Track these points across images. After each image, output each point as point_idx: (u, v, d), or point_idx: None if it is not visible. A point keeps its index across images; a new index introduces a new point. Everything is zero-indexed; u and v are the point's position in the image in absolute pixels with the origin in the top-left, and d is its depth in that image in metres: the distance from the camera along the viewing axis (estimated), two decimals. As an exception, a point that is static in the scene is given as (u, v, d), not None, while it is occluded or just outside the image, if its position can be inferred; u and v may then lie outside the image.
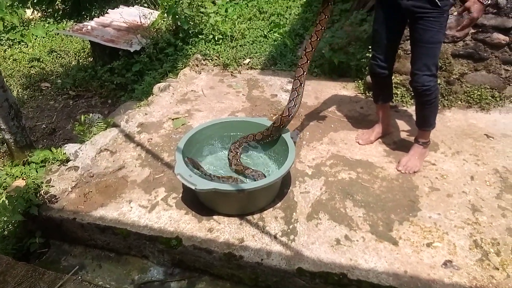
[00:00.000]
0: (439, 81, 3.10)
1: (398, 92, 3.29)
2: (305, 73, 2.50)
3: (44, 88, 5.21)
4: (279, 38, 4.64)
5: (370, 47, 3.49)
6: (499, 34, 2.98)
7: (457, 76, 3.18)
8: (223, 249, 2.11)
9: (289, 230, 2.20)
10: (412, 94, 3.21)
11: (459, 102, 3.21)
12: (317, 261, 2.03)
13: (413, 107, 3.21)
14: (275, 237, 2.17)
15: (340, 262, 2.01)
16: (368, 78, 3.39)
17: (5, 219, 2.49)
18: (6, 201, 2.37)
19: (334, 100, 3.41)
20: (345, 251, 2.07)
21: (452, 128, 2.98)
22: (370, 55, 2.69)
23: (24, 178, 2.45)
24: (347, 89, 3.58)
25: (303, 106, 3.32)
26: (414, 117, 2.67)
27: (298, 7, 5.65)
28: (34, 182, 2.38)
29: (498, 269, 1.95)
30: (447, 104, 3.19)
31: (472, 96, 3.17)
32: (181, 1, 4.86)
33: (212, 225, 2.25)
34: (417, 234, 2.15)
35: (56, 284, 1.94)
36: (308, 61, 2.48)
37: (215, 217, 2.30)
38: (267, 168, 2.59)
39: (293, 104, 2.51)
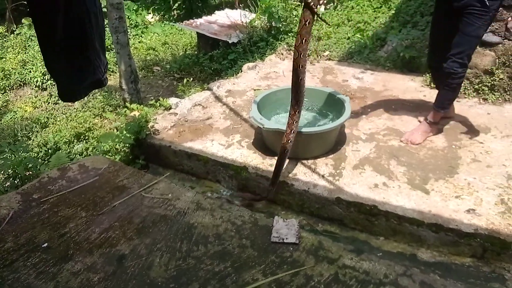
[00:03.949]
0: (502, 76, 3.28)
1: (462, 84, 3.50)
2: None
3: (155, 70, 6.27)
4: (361, 40, 5.05)
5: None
6: None
7: (522, 73, 3.32)
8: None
9: (335, 173, 2.63)
10: (475, 87, 3.44)
11: (522, 98, 3.34)
12: (354, 195, 2.43)
13: (475, 99, 3.45)
14: (322, 176, 2.62)
15: (374, 198, 2.39)
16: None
17: (121, 145, 3.28)
18: (124, 129, 3.15)
19: (399, 89, 3.73)
20: (380, 192, 2.44)
21: (508, 118, 3.13)
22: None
23: (139, 111, 3.22)
24: (414, 81, 3.87)
25: (369, 90, 3.71)
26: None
27: (386, 18, 5.97)
28: (146, 114, 3.14)
29: (518, 222, 2.16)
30: (509, 98, 3.33)
31: (537, 93, 3.28)
32: (278, 5, 5.55)
33: (273, 162, 2.75)
34: (449, 189, 2.43)
35: (152, 181, 2.60)
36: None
37: (276, 157, 2.81)
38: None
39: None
